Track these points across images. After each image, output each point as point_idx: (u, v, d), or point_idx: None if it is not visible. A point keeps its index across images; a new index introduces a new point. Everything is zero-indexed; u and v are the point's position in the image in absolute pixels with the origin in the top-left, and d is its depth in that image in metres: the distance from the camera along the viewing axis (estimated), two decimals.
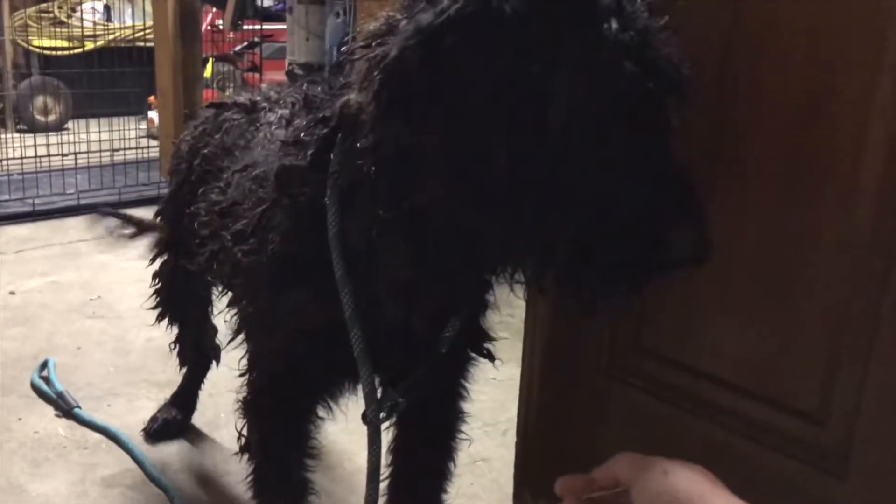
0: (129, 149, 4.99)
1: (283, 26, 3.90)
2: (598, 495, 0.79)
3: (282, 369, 1.23)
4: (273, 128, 1.39)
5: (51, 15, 6.13)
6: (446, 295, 1.06)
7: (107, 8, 6.45)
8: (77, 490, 1.86)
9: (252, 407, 1.32)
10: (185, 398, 2.14)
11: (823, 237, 1.07)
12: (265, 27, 4.93)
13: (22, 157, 4.65)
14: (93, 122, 4.90)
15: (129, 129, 5.10)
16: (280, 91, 1.62)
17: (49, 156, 4.62)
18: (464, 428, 1.40)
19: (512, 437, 1.59)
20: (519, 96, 0.81)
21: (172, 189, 1.75)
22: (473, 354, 1.27)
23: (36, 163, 4.62)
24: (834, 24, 1.02)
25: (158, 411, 2.13)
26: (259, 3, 4.46)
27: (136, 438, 2.05)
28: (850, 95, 1.02)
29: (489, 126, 0.82)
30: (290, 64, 3.59)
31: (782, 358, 1.13)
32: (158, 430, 2.09)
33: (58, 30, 5.90)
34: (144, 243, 2.01)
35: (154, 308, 1.98)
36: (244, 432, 1.37)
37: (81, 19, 5.99)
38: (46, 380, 2.31)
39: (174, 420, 2.11)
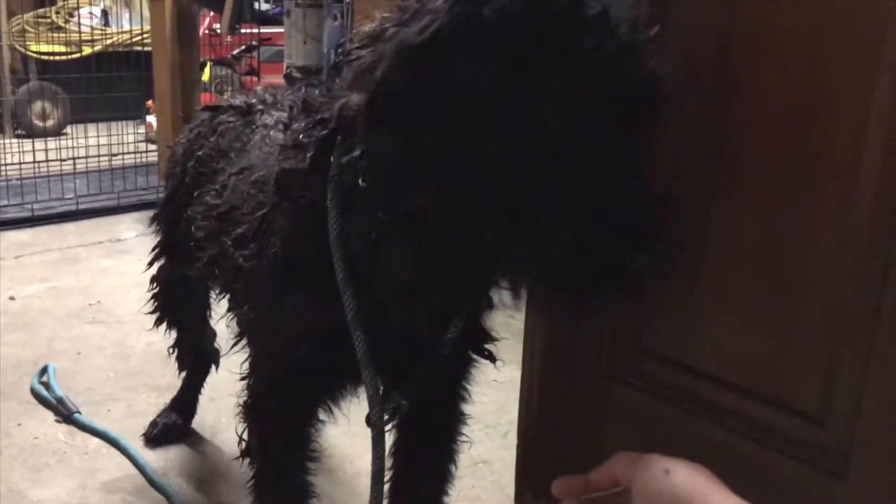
0: (128, 153, 4.99)
1: (281, 30, 3.90)
2: (596, 496, 0.79)
3: (283, 373, 1.23)
4: (269, 130, 1.39)
5: (48, 20, 6.13)
6: (447, 296, 1.06)
7: (104, 13, 6.45)
8: (77, 495, 1.86)
9: (253, 411, 1.32)
10: (185, 402, 2.14)
11: (823, 237, 1.07)
12: (263, 31, 4.93)
13: (20, 163, 4.64)
14: (91, 127, 4.89)
15: (127, 134, 5.10)
16: (275, 94, 1.62)
17: (47, 161, 4.62)
18: (465, 430, 1.40)
19: (513, 439, 1.59)
20: (498, 109, 0.82)
21: (168, 193, 1.75)
22: (475, 356, 1.28)
23: (34, 168, 4.62)
24: (833, 24, 1.03)
25: (158, 416, 2.13)
26: (257, 6, 4.46)
27: (136, 443, 2.05)
28: (849, 95, 1.02)
29: (472, 138, 0.83)
30: (287, 67, 3.59)
31: (782, 358, 1.13)
32: (159, 435, 2.09)
33: (55, 35, 5.89)
34: (143, 248, 2.00)
35: (152, 312, 1.98)
36: (245, 437, 1.36)
37: (79, 24, 5.98)
38: (46, 385, 2.31)
39: (174, 425, 2.11)
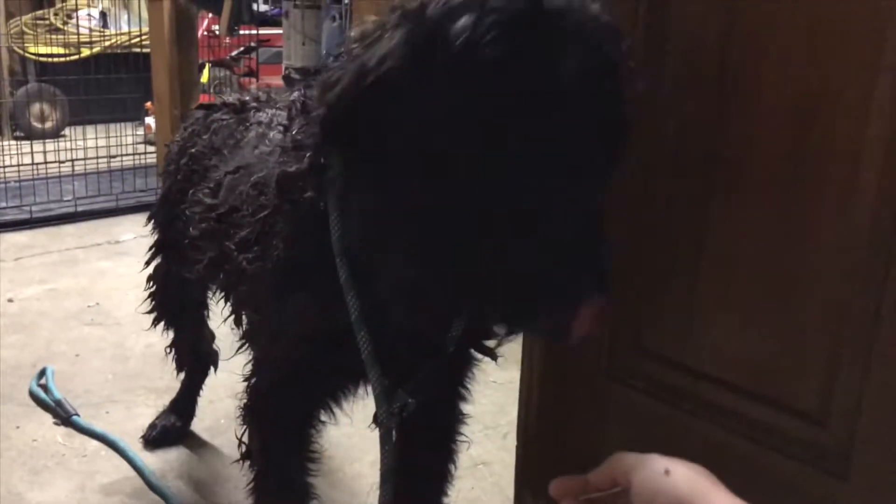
0: (127, 155, 4.99)
1: (280, 31, 3.89)
2: (595, 496, 0.79)
3: (286, 375, 1.23)
4: (264, 128, 1.39)
5: (47, 22, 6.13)
6: (445, 298, 1.06)
7: (103, 14, 6.45)
8: (76, 498, 1.85)
9: (254, 412, 1.32)
10: (183, 404, 2.14)
11: (823, 237, 1.07)
12: (261, 32, 4.92)
13: (19, 165, 4.64)
14: (90, 129, 4.90)
15: (126, 136, 5.10)
16: (269, 92, 1.63)
17: (46, 163, 4.62)
18: (464, 431, 1.40)
19: (513, 440, 1.58)
20: (442, 138, 0.83)
21: (163, 192, 1.75)
22: (476, 354, 1.27)
23: (33, 170, 4.62)
24: (833, 24, 1.02)
25: (157, 418, 2.13)
26: (255, 7, 4.45)
27: (135, 445, 2.05)
28: (849, 95, 1.02)
29: (412, 169, 0.86)
30: (286, 68, 3.59)
31: (782, 358, 1.13)
32: (157, 437, 2.08)
33: (54, 37, 5.89)
34: (141, 250, 2.00)
35: (149, 312, 1.98)
36: (245, 439, 1.36)
37: (77, 26, 5.98)
38: (45, 387, 2.31)
39: (173, 427, 2.11)
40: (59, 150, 4.71)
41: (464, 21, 0.82)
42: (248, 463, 1.37)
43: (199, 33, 4.85)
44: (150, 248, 1.89)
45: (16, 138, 5.53)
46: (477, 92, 0.81)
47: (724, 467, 0.74)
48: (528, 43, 0.81)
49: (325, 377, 1.22)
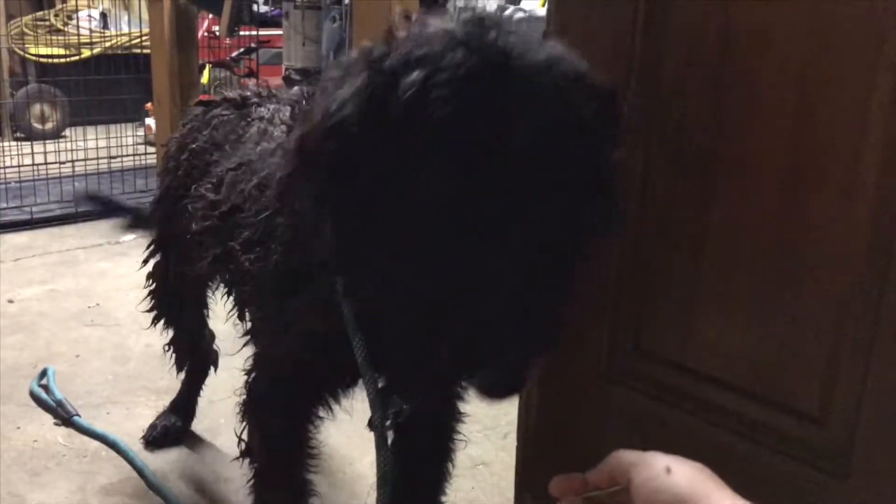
0: (127, 156, 4.98)
1: (280, 32, 3.90)
2: (595, 494, 0.79)
3: (286, 372, 1.23)
4: (266, 123, 1.39)
5: (47, 23, 6.13)
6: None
7: (103, 15, 6.45)
8: (77, 499, 1.85)
9: (253, 408, 1.32)
10: (184, 405, 2.14)
11: (823, 237, 1.07)
12: (262, 33, 4.92)
13: (19, 165, 4.64)
14: (90, 130, 4.90)
15: (126, 136, 5.10)
16: (271, 89, 1.63)
17: (46, 163, 4.62)
18: (464, 431, 1.40)
19: (513, 441, 1.58)
20: (391, 189, 0.84)
21: (163, 189, 1.75)
22: None
23: (34, 171, 4.62)
24: (833, 24, 1.02)
25: (158, 418, 2.13)
26: (255, 8, 4.45)
27: (135, 446, 2.05)
28: (849, 95, 1.02)
29: (367, 214, 0.86)
30: (286, 69, 3.59)
31: (783, 358, 1.13)
32: (158, 438, 2.08)
33: (54, 37, 5.89)
34: (142, 251, 2.00)
35: (149, 310, 1.97)
36: (244, 436, 1.36)
37: (78, 27, 5.98)
38: (46, 388, 2.31)
39: (174, 427, 2.11)
40: (59, 151, 4.71)
41: (413, 76, 0.81)
42: (247, 460, 1.37)
43: (200, 34, 4.85)
44: (149, 246, 1.89)
45: (16, 139, 5.53)
46: (424, 148, 0.80)
47: (723, 467, 0.74)
48: (480, 101, 0.80)
49: (324, 375, 1.22)
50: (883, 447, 1.04)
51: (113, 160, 4.86)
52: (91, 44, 5.91)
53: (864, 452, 1.06)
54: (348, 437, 2.00)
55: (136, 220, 2.13)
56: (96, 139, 4.82)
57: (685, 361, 1.25)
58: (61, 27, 6.11)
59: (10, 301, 3.02)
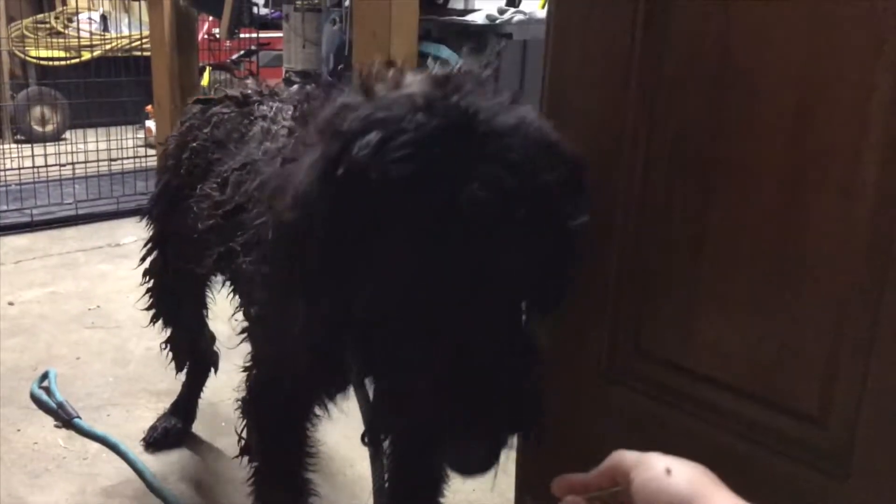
0: (127, 158, 4.98)
1: (280, 34, 3.90)
2: (595, 495, 0.79)
3: (281, 373, 1.23)
4: (269, 122, 1.39)
5: (48, 25, 6.13)
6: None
7: (103, 18, 6.45)
8: (77, 501, 1.85)
9: (251, 405, 1.32)
10: (184, 407, 2.14)
11: (822, 238, 1.07)
12: (262, 35, 4.93)
13: (20, 168, 4.64)
14: (90, 132, 4.90)
15: (126, 139, 5.09)
16: (272, 87, 1.63)
17: (47, 166, 4.62)
18: None
19: (512, 443, 1.58)
20: (348, 252, 0.85)
21: (161, 186, 1.74)
22: None
23: (34, 173, 4.62)
24: (832, 24, 1.02)
25: (158, 420, 2.13)
26: (255, 11, 4.45)
27: (136, 448, 2.05)
28: (848, 95, 1.02)
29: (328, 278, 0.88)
30: (287, 71, 3.59)
31: (782, 359, 1.13)
32: (158, 440, 2.08)
33: (55, 40, 5.89)
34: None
35: (148, 309, 1.97)
36: (244, 434, 1.37)
37: (78, 29, 5.98)
38: (47, 390, 2.31)
39: (174, 429, 2.11)
40: (59, 154, 4.71)
41: (369, 137, 0.81)
42: (247, 458, 1.37)
43: (200, 37, 4.86)
44: (147, 243, 1.89)
45: (16, 142, 5.53)
46: (376, 211, 0.81)
47: (723, 468, 0.74)
48: (440, 161, 0.80)
49: (319, 377, 1.22)
50: (883, 447, 1.04)
51: (113, 162, 4.86)
52: (91, 46, 5.91)
53: (864, 453, 1.06)
54: (348, 437, 1.99)
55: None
56: (97, 141, 4.82)
57: (685, 362, 1.25)
58: (62, 30, 6.11)
59: (11, 303, 3.02)
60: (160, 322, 1.98)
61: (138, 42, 5.86)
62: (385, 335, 0.86)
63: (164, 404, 2.19)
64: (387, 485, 1.35)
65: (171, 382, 2.18)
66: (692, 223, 1.20)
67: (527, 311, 0.92)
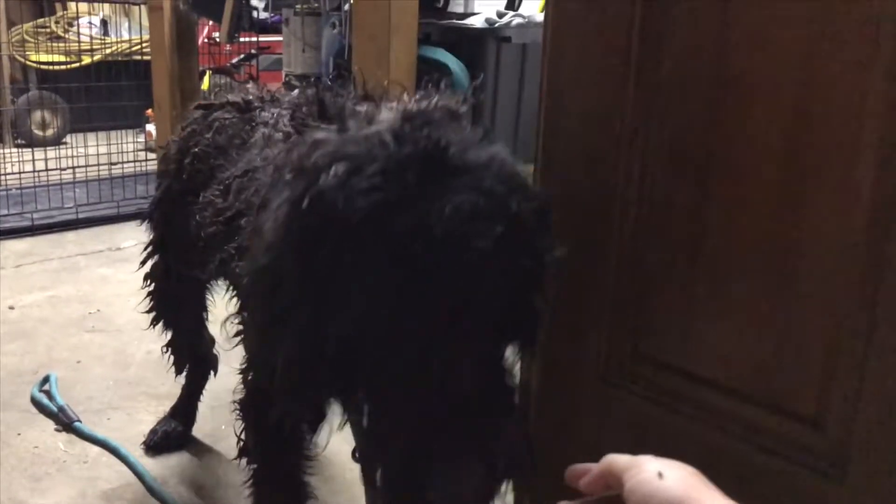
0: (128, 162, 5.00)
1: (280, 38, 3.90)
2: (589, 501, 0.79)
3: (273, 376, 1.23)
4: (270, 129, 1.40)
5: (48, 30, 6.15)
6: None
7: (104, 22, 6.47)
8: None
9: (248, 407, 1.32)
10: (184, 410, 2.14)
11: (819, 239, 1.07)
12: (262, 39, 4.93)
13: (20, 172, 4.65)
14: (91, 136, 4.90)
15: (127, 143, 5.11)
16: (273, 92, 1.63)
17: (47, 170, 4.63)
18: None
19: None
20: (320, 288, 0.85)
21: (161, 191, 1.75)
22: None
23: (34, 177, 4.63)
24: (829, 26, 1.03)
25: (158, 424, 2.13)
26: (255, 15, 4.46)
27: (136, 452, 2.05)
28: (844, 98, 1.02)
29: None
30: (286, 75, 3.60)
31: (780, 361, 1.13)
32: (159, 443, 2.09)
33: (55, 44, 5.90)
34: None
35: (148, 312, 1.97)
36: (242, 436, 1.37)
37: (78, 34, 5.99)
38: (48, 394, 2.31)
39: (174, 432, 2.11)
40: (60, 158, 4.72)
41: (335, 169, 0.81)
42: (245, 460, 1.37)
43: (200, 41, 4.87)
44: (147, 247, 1.89)
45: (17, 146, 5.54)
46: (345, 242, 0.81)
47: (720, 470, 0.74)
48: (406, 191, 0.80)
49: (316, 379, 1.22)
50: (880, 450, 1.04)
51: (114, 166, 4.87)
52: (92, 50, 5.92)
53: (861, 456, 1.06)
54: (348, 442, 1.99)
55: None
56: (97, 145, 4.83)
57: (683, 364, 1.25)
58: (62, 34, 6.13)
59: (11, 307, 3.03)
60: (160, 325, 1.99)
61: (138, 46, 5.88)
62: (365, 365, 0.86)
63: (165, 408, 2.20)
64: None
65: (172, 386, 2.19)
66: (690, 225, 1.20)
67: (502, 344, 0.91)
